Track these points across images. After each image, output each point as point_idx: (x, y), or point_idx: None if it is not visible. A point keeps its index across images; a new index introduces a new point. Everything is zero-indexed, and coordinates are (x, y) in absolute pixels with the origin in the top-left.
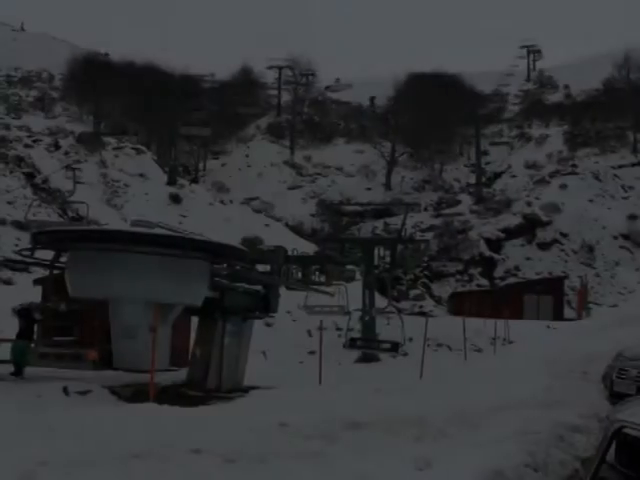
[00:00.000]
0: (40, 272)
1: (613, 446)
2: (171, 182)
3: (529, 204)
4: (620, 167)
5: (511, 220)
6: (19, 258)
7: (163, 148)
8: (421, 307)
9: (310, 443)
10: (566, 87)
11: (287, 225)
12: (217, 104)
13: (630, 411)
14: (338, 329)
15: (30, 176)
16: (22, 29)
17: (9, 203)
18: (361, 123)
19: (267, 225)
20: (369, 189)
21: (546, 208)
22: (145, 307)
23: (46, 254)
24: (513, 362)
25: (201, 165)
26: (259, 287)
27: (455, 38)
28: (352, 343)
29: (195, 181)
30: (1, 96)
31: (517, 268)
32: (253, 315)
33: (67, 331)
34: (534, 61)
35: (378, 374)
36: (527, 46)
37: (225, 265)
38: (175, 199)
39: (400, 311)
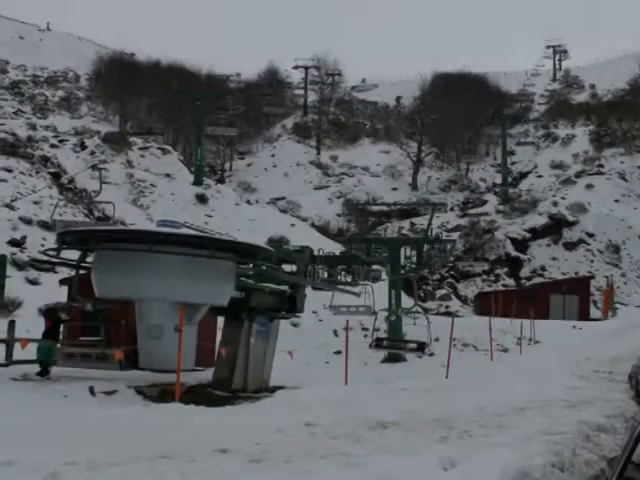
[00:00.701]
0: (66, 272)
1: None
2: (197, 182)
3: (555, 204)
4: None
5: (537, 220)
6: (45, 258)
7: (189, 148)
8: (447, 307)
9: (336, 443)
10: (592, 87)
11: (313, 225)
12: (243, 104)
13: None
14: (364, 329)
15: (56, 176)
16: (48, 29)
17: (35, 203)
18: (387, 123)
19: (293, 225)
20: (395, 189)
21: (572, 208)
22: (171, 307)
23: (72, 254)
24: (539, 362)
25: (227, 165)
26: (285, 287)
27: (481, 38)
28: (378, 343)
29: (221, 181)
30: (28, 96)
31: (543, 268)
32: (279, 315)
33: (93, 331)
34: (560, 61)
35: (404, 374)
36: (553, 46)
37: (251, 265)
38: (201, 199)
39: (426, 311)
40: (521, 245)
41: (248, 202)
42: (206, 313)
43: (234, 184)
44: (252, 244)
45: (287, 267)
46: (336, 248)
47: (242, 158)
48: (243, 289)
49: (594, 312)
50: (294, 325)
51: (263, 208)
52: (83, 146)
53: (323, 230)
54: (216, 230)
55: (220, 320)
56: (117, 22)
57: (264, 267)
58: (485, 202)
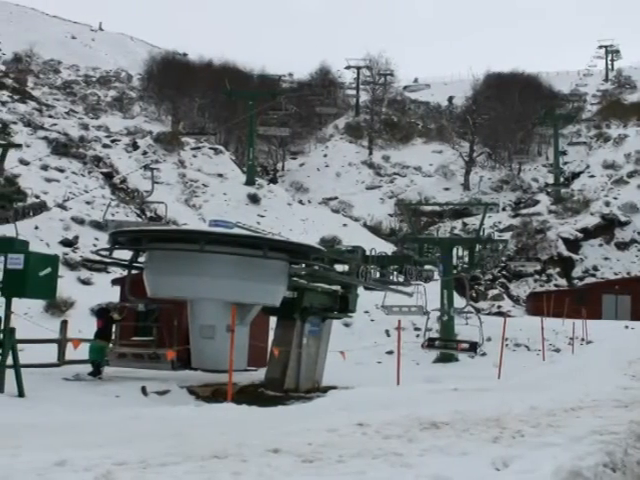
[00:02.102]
0: (118, 272)
1: None
2: (249, 182)
3: (607, 204)
4: None
5: (589, 220)
6: (97, 258)
7: (241, 148)
8: (499, 307)
9: (388, 443)
10: None
11: (365, 225)
12: (295, 104)
13: None
14: (416, 329)
15: (108, 176)
16: (100, 29)
17: (87, 203)
18: (439, 123)
19: (345, 225)
20: (447, 189)
21: (624, 208)
22: (224, 307)
23: (124, 254)
24: (591, 362)
25: (279, 165)
26: (337, 287)
27: (533, 38)
28: (430, 343)
29: (273, 181)
30: (80, 96)
31: (595, 268)
32: (331, 315)
33: (145, 331)
34: (612, 61)
35: (456, 374)
36: (605, 46)
37: (304, 265)
38: (253, 199)
39: (478, 311)
40: (573, 245)
41: (300, 202)
42: (258, 313)
43: (286, 184)
44: (304, 244)
45: (339, 267)
46: (388, 248)
47: (294, 158)
48: (296, 289)
49: None
50: (346, 325)
51: (315, 208)
52: (135, 146)
53: (375, 230)
54: (268, 230)
55: (272, 320)
56: (169, 22)
57: (316, 267)
58: (537, 202)
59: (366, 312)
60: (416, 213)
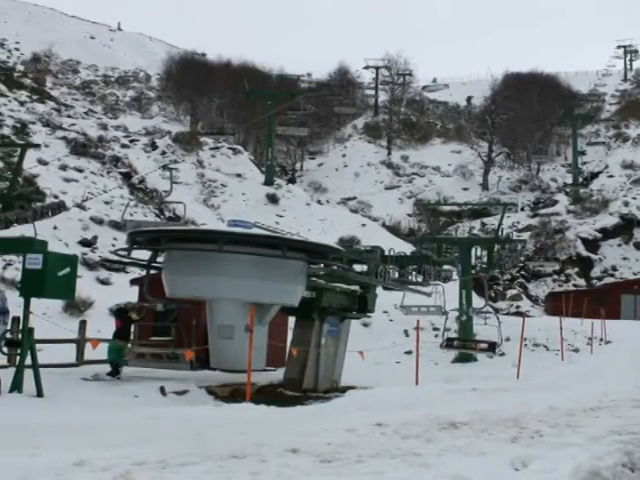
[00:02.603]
0: (137, 272)
1: None
2: (268, 182)
3: (626, 204)
4: None
5: (608, 220)
6: (116, 258)
7: (260, 148)
8: (518, 307)
9: (407, 443)
10: None
11: (384, 225)
12: (314, 104)
13: None
14: (435, 329)
15: (127, 176)
16: (119, 29)
17: (106, 203)
18: (458, 123)
19: (364, 225)
20: (466, 189)
21: None
22: (242, 307)
23: (143, 254)
24: (610, 362)
25: (298, 165)
26: (356, 287)
27: (552, 38)
28: (449, 343)
29: (292, 181)
30: (99, 96)
31: (614, 268)
32: (350, 315)
33: (164, 331)
34: (631, 61)
35: (475, 374)
36: (624, 46)
37: (322, 265)
38: (272, 199)
39: (497, 311)
40: (592, 245)
41: (319, 202)
42: (277, 313)
43: (305, 184)
44: (323, 244)
45: (358, 267)
46: (407, 248)
47: (313, 158)
48: (314, 289)
49: None
50: (365, 325)
51: (334, 208)
52: (154, 146)
53: (394, 230)
54: (287, 230)
55: (291, 320)
56: (188, 22)
57: (335, 267)
58: (556, 202)
59: (385, 312)
60: (435, 213)
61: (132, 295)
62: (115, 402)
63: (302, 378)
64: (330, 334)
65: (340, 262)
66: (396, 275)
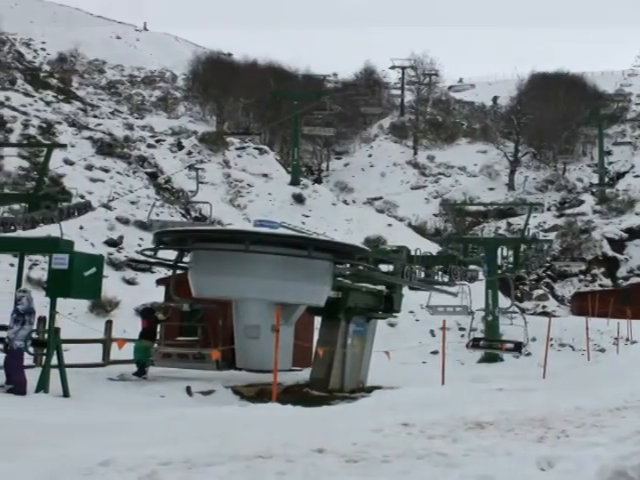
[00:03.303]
0: (163, 272)
1: None
2: (294, 182)
3: None
4: None
5: (634, 220)
6: (142, 258)
7: (286, 148)
8: (544, 307)
9: (433, 443)
10: None
11: (410, 225)
12: (340, 104)
13: None
14: (461, 329)
15: (153, 176)
16: (145, 29)
17: (132, 203)
18: (484, 123)
19: (390, 225)
20: (492, 189)
21: None
22: (268, 307)
23: (169, 254)
24: (636, 362)
25: (324, 165)
26: (382, 287)
27: (578, 38)
28: (475, 343)
29: (318, 181)
30: (125, 96)
31: None
32: (376, 315)
33: (190, 331)
34: None
35: (501, 374)
36: None
37: (348, 265)
38: (298, 199)
39: (523, 311)
40: (618, 245)
41: (345, 202)
42: (303, 313)
43: (331, 184)
44: (349, 244)
45: (384, 267)
46: (433, 248)
47: (339, 158)
48: (340, 289)
49: None
50: (391, 325)
51: (360, 208)
52: (180, 146)
53: (420, 230)
54: (313, 230)
55: (317, 320)
56: (214, 22)
57: (361, 267)
58: (582, 202)
59: (411, 312)
60: (461, 213)
61: (158, 295)
62: (141, 402)
63: (328, 378)
64: (356, 334)
65: (366, 262)
66: (422, 275)
